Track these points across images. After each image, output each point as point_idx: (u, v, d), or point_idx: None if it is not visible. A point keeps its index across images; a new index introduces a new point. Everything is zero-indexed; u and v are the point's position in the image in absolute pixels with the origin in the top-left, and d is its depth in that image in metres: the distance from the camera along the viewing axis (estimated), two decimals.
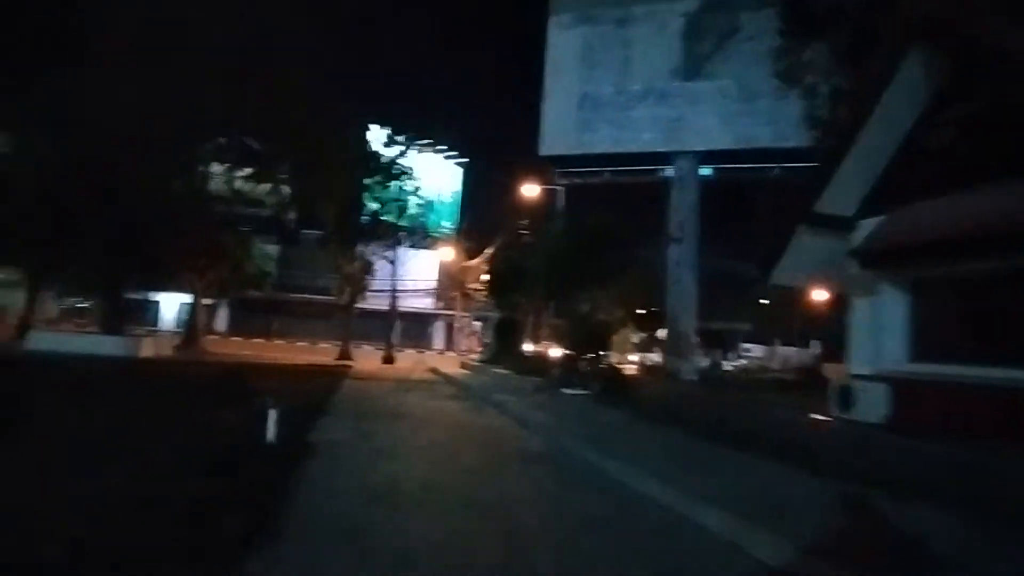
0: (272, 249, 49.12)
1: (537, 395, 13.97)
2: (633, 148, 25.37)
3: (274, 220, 52.44)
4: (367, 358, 27.90)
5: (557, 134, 25.97)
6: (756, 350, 55.20)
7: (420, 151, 52.08)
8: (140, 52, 20.57)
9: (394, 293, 28.62)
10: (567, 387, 14.73)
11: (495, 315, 27.17)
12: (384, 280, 31.14)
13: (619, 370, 16.85)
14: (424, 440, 8.09)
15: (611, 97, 25.50)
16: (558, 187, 31.13)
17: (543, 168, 31.13)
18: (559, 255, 17.31)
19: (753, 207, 23.31)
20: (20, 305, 46.19)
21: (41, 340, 18.63)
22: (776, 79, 21.79)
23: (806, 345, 39.32)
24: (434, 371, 22.62)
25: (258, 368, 18.29)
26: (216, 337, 40.36)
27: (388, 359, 26.41)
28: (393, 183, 27.78)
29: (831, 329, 25.84)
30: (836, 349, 27.76)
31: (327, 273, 30.13)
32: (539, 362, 20.07)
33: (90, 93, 19.59)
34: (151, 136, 20.01)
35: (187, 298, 51.79)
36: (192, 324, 26.02)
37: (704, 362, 25.01)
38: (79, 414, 7.72)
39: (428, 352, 44.15)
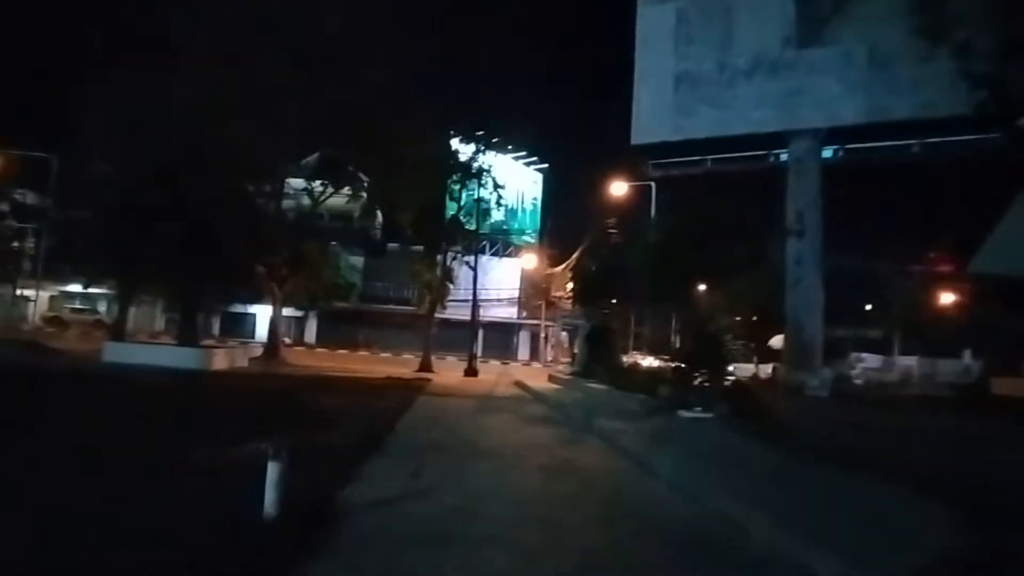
0: (357, 260, 48.77)
1: (650, 419, 10.96)
2: (740, 130, 21.79)
3: (360, 232, 52.26)
4: (449, 370, 25.73)
5: (650, 120, 22.77)
6: (869, 359, 48.95)
7: (498, 153, 50.00)
8: (219, 58, 19.54)
9: (476, 302, 26.23)
10: (683, 408, 11.61)
11: (584, 323, 24.21)
12: (467, 289, 29.24)
13: (750, 387, 13.47)
14: (510, 500, 5.35)
15: (712, 75, 22.05)
16: (650, 183, 28.05)
17: (632, 163, 28.01)
18: (666, 251, 14.19)
19: (890, 191, 19.12)
20: (132, 317, 48.02)
21: (116, 352, 17.60)
22: (916, 38, 17.78)
23: (945, 354, 33.42)
24: (520, 385, 19.99)
25: (327, 382, 16.35)
26: (302, 348, 39.76)
27: (471, 371, 24.06)
28: (472, 182, 25.59)
29: (1000, 335, 21.00)
30: (1011, 360, 22.82)
31: (412, 283, 28.24)
32: (639, 375, 17.01)
33: (170, 102, 18.68)
34: (228, 145, 18.80)
35: (282, 310, 52.69)
36: (272, 335, 24.80)
37: (827, 374, 20.85)
38: (42, 449, 5.58)
39: (512, 363, 41.74)
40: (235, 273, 20.42)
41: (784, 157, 21.81)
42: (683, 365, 13.20)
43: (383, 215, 37.98)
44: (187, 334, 19.25)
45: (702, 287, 16.41)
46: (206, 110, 18.47)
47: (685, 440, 8.62)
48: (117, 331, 24.97)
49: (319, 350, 38.96)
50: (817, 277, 20.48)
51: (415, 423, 9.94)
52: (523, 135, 25.28)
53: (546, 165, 58.16)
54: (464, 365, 25.19)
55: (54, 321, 43.86)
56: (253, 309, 49.80)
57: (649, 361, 32.57)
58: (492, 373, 27.24)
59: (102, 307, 48.51)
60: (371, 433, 8.05)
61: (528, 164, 57.26)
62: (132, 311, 48.51)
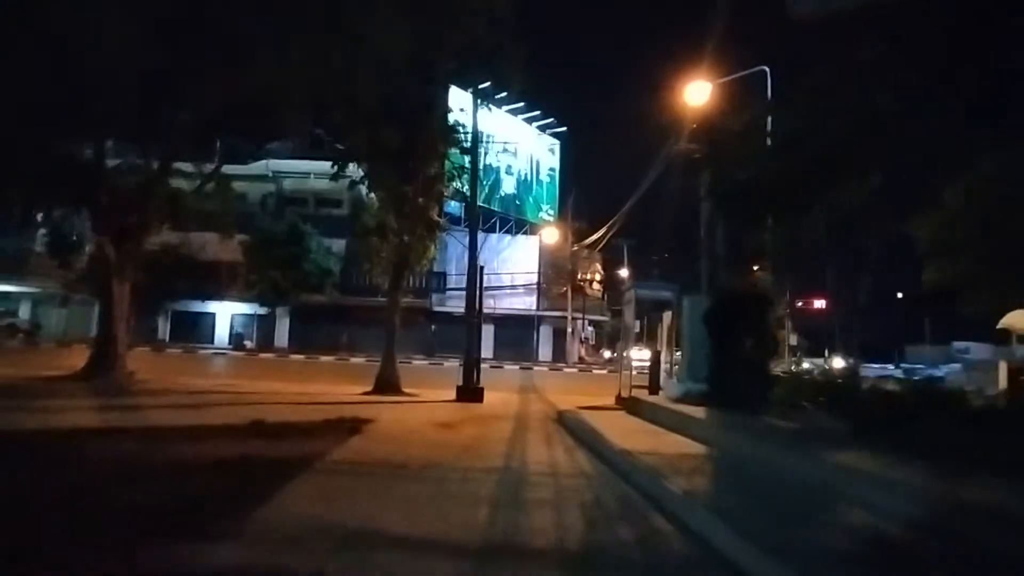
0: (333, 243, 36.56)
1: None
2: None
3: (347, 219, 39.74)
4: (439, 384, 13.54)
5: None
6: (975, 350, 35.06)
7: (493, 109, 36.88)
8: None
9: (476, 283, 13.64)
10: None
11: (684, 294, 11.74)
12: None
13: None
14: None
15: None
16: (763, 68, 15.81)
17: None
18: None
19: None
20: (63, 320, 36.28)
21: None
22: None
23: None
24: (583, 440, 7.82)
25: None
26: (241, 354, 27.49)
27: (468, 392, 11.89)
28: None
29: None
30: None
31: (360, 241, 15.64)
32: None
33: None
34: None
35: (243, 308, 40.55)
36: (105, 336, 12.59)
37: None
38: None
39: (536, 368, 29.25)
40: None
41: None
42: None
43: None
44: None
45: None
46: None
47: None
48: None
49: (264, 357, 26.84)
50: None
51: None
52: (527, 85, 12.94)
53: (563, 128, 45.93)
54: (457, 375, 12.97)
55: None
56: (212, 307, 38.15)
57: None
58: (508, 389, 14.98)
59: (24, 310, 37.06)
60: None
61: (543, 129, 45.04)
62: (63, 313, 37.08)
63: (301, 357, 25.11)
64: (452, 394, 12.25)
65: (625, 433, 7.26)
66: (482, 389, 12.25)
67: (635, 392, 11.91)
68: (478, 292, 13.26)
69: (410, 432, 7.55)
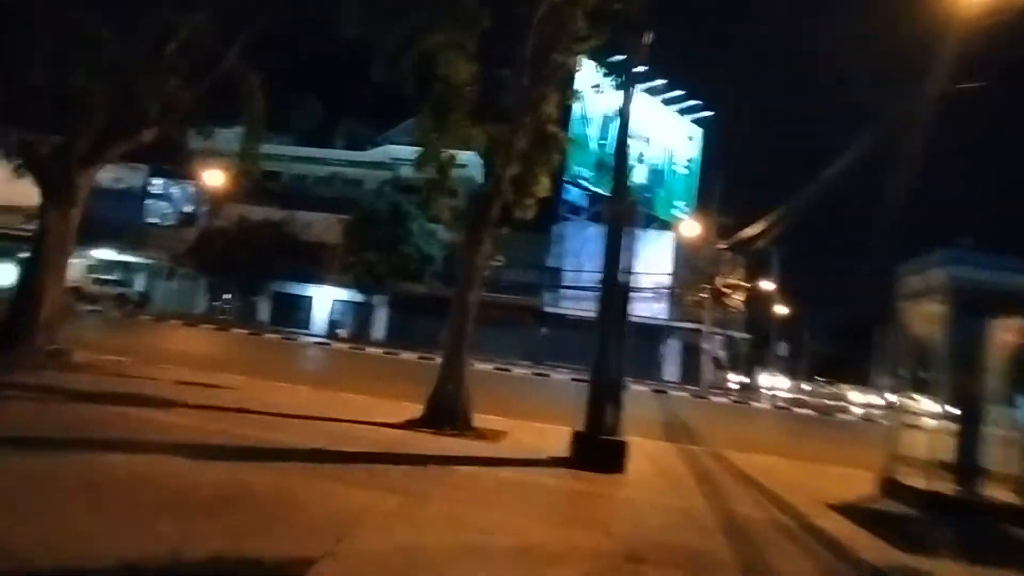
0: (445, 233, 31.67)
1: None
2: None
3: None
4: (535, 416, 7.40)
5: None
6: None
7: (624, 83, 30.17)
8: None
9: (613, 269, 6.80)
10: None
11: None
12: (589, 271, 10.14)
13: None
14: None
15: None
16: None
17: None
18: None
19: None
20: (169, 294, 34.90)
21: None
22: None
23: None
24: None
25: None
26: (316, 344, 22.94)
27: (598, 450, 5.55)
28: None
29: None
30: None
31: (421, 168, 9.25)
32: None
33: None
34: None
35: (343, 294, 36.99)
36: (26, 289, 7.79)
37: None
38: None
39: (670, 393, 21.93)
40: None
41: None
42: None
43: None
44: None
45: None
46: None
47: None
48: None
49: (335, 347, 22.11)
50: None
51: None
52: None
53: (710, 113, 37.97)
54: (572, 400, 6.63)
55: (70, 293, 31.54)
56: (312, 291, 35.01)
57: None
58: (649, 428, 8.32)
59: (139, 280, 36.07)
60: None
61: (684, 113, 37.50)
62: (168, 286, 35.79)
63: (379, 352, 20.10)
64: (562, 438, 5.95)
65: None
66: (623, 445, 5.76)
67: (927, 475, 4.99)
68: (617, 290, 6.53)
69: None
